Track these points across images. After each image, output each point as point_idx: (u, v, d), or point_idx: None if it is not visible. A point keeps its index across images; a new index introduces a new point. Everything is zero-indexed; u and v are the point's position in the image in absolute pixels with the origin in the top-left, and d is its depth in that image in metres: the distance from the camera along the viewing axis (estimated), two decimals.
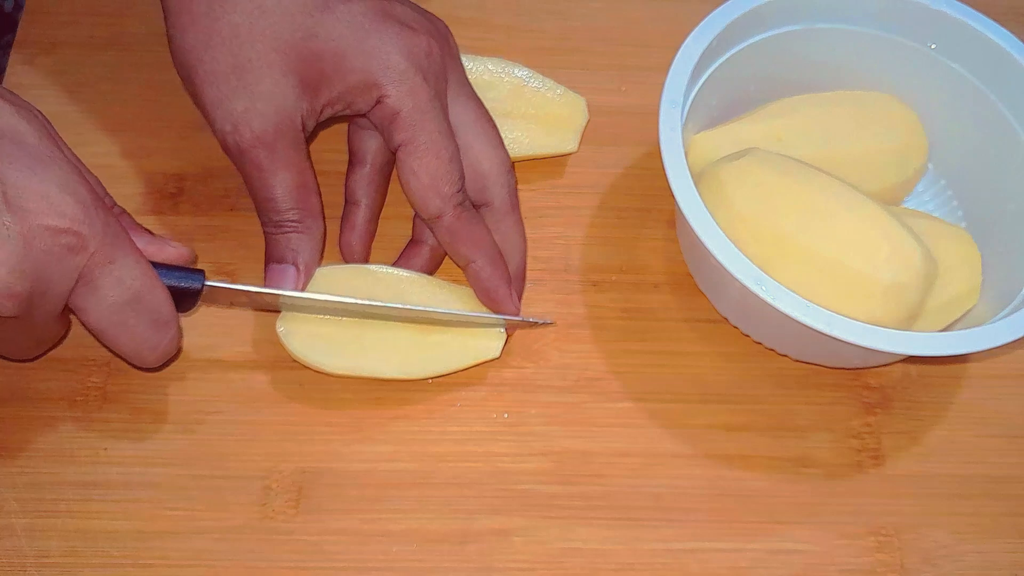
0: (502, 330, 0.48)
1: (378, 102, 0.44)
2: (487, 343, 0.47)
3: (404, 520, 0.45)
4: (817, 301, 0.42)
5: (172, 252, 0.43)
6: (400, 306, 0.46)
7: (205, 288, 0.43)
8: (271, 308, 0.48)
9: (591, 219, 0.53)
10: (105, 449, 0.45)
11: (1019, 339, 0.43)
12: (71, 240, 0.37)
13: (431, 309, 0.46)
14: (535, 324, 0.49)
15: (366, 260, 0.50)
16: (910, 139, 0.52)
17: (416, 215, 0.50)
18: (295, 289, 0.45)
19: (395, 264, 0.49)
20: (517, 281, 0.49)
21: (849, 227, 0.44)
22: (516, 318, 0.48)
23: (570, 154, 0.54)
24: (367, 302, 0.45)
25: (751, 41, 0.51)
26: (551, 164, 0.55)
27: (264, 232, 0.46)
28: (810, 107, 0.52)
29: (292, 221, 0.45)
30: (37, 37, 0.56)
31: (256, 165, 0.44)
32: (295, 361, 0.46)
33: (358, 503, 0.45)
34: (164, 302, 0.41)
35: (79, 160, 0.41)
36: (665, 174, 0.45)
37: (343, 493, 0.45)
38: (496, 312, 0.47)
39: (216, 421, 0.46)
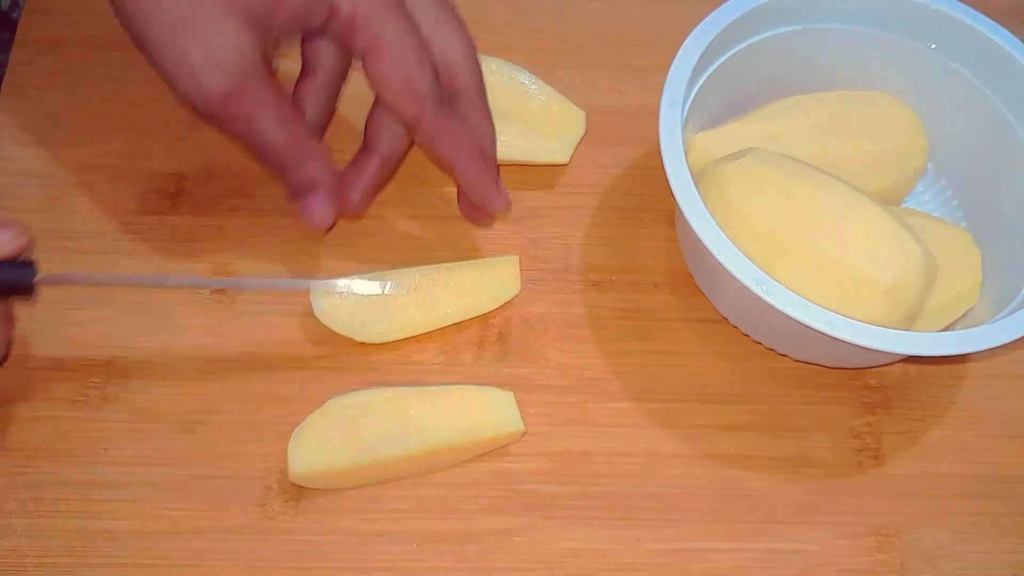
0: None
1: (331, 14, 0.42)
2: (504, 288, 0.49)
3: (404, 520, 0.45)
4: (817, 301, 0.42)
5: (5, 247, 0.41)
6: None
7: (37, 281, 0.42)
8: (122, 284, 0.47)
9: (591, 219, 0.53)
10: (105, 449, 0.45)
11: (1019, 339, 0.43)
12: None
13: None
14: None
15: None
16: (910, 139, 0.52)
17: (369, 118, 0.47)
18: (331, 212, 0.45)
19: (345, 173, 0.47)
20: (478, 148, 0.47)
21: (849, 227, 0.44)
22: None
23: (562, 165, 0.54)
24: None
25: (751, 41, 0.51)
26: (549, 165, 0.54)
27: (273, 177, 0.45)
28: (810, 107, 0.52)
29: (291, 157, 0.43)
30: (37, 37, 0.56)
31: (232, 117, 0.42)
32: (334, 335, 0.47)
33: (358, 503, 0.45)
34: None
35: None
36: (665, 174, 0.45)
37: (343, 493, 0.45)
38: (484, 208, 0.48)
39: (216, 421, 0.46)
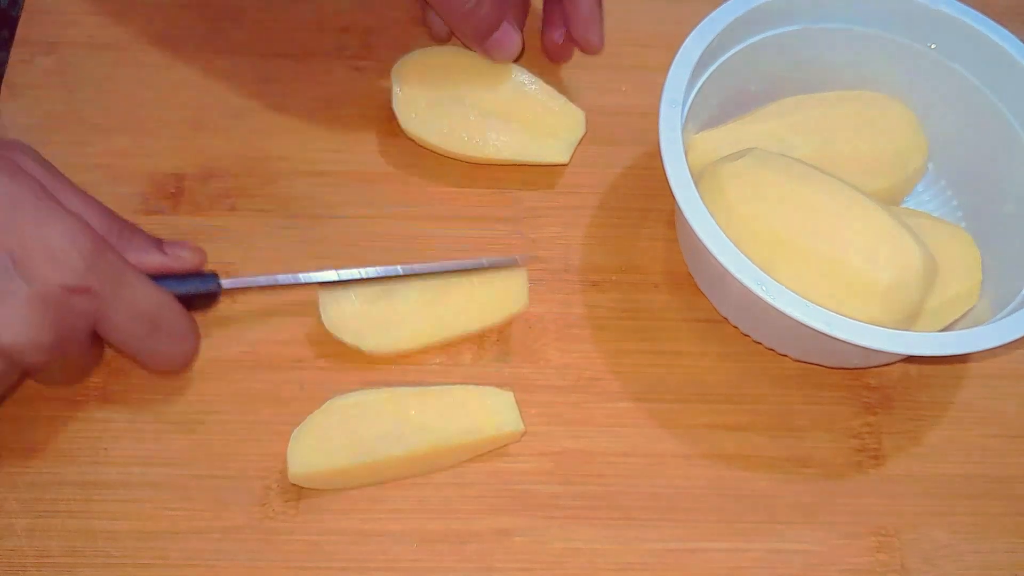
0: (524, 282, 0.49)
1: None
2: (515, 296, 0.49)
3: (404, 520, 0.45)
4: (817, 301, 0.42)
5: (184, 260, 0.44)
6: (421, 268, 0.48)
7: (222, 289, 0.44)
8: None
9: (591, 219, 0.53)
10: (105, 449, 0.45)
11: (1019, 339, 0.43)
12: (79, 291, 0.39)
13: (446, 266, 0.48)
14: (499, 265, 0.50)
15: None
16: (910, 139, 0.52)
17: None
18: (519, 41, 0.51)
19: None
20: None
21: (849, 227, 0.44)
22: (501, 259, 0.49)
23: (562, 165, 0.54)
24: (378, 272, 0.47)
25: (751, 41, 0.51)
26: (550, 164, 0.54)
27: (461, 21, 0.50)
28: (810, 107, 0.52)
29: None
30: (37, 37, 0.56)
31: None
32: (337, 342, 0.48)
33: (358, 503, 0.45)
34: (179, 319, 0.42)
35: (77, 193, 0.42)
36: (665, 174, 0.45)
37: (343, 493, 0.45)
38: (585, 42, 0.53)
39: (216, 421, 0.46)
